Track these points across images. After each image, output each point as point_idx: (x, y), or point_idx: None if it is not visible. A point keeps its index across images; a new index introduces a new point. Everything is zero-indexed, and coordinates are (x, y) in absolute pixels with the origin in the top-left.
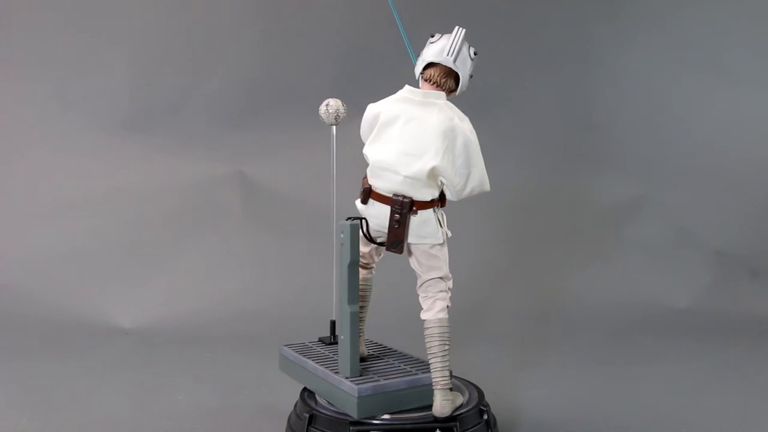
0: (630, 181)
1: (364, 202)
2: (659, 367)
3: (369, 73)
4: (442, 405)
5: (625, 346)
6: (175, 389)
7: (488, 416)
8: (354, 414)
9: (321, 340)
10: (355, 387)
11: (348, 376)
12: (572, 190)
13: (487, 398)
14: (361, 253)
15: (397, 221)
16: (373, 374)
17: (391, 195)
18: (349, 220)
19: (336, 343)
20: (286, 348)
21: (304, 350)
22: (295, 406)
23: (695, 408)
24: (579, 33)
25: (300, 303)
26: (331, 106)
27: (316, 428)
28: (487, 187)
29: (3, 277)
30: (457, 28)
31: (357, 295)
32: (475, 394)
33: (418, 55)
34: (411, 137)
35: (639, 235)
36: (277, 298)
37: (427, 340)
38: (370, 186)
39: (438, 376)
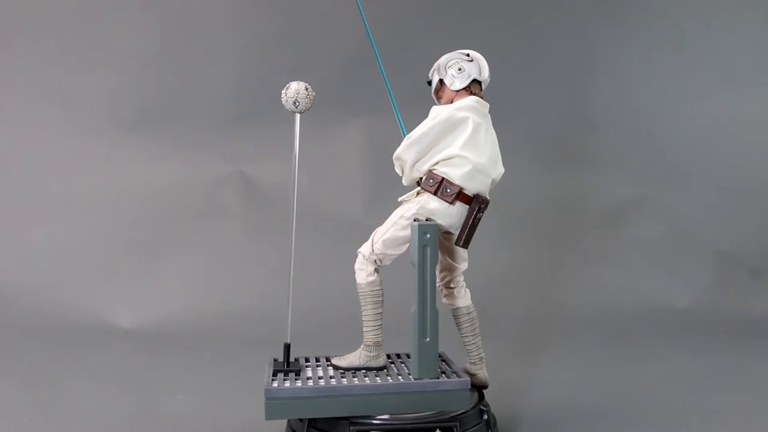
0: (630, 181)
1: (453, 203)
2: (659, 367)
3: (369, 74)
4: (485, 375)
5: (625, 346)
6: (175, 389)
7: (488, 416)
8: (466, 406)
9: (277, 369)
10: (468, 380)
11: (435, 376)
12: (572, 190)
13: (487, 398)
14: (391, 256)
15: (480, 219)
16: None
17: (473, 195)
18: (419, 221)
19: (295, 369)
20: (286, 388)
21: (319, 380)
22: None
23: (695, 408)
24: (579, 34)
25: (300, 303)
26: (310, 90)
27: (316, 428)
28: None
29: (3, 277)
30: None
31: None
32: (475, 394)
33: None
34: (491, 143)
35: (639, 235)
36: (277, 298)
37: (467, 324)
38: (461, 188)
39: (481, 353)
